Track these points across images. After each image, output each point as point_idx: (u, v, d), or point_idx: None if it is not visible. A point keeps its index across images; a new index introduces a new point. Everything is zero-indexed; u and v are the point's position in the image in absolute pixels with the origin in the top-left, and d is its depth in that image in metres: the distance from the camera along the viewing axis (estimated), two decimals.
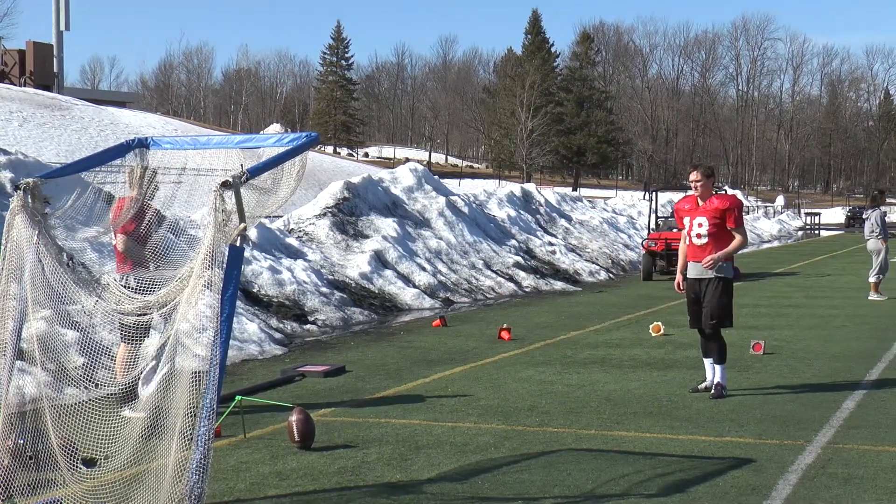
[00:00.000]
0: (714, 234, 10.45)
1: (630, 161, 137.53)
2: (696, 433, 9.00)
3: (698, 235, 10.50)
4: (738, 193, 78.39)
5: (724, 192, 11.17)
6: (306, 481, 7.45)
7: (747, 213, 30.75)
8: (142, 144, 7.23)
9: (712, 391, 10.64)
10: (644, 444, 8.61)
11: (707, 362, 10.80)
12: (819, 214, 76.44)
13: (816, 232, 68.90)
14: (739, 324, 17.05)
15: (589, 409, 10.10)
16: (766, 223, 62.85)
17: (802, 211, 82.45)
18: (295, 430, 8.33)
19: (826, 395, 10.82)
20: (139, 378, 6.89)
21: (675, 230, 27.83)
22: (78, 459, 6.30)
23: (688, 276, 10.72)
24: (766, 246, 50.47)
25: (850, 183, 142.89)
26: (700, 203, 10.53)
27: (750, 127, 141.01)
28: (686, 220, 10.62)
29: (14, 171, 14.48)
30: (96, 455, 6.23)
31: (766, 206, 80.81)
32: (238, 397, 8.76)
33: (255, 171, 6.21)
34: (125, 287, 6.70)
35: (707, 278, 10.59)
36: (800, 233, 65.91)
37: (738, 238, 10.56)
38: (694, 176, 10.55)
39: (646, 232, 30.29)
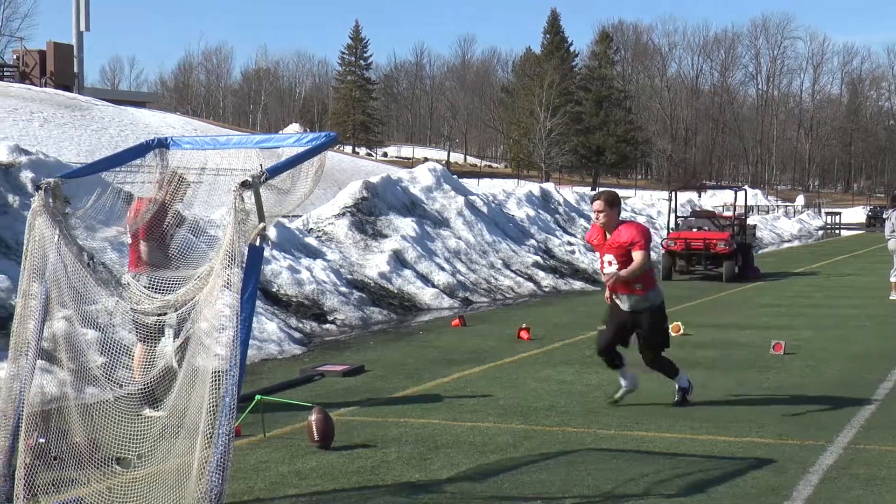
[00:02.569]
0: (623, 266, 9.65)
1: (649, 160, 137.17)
2: (716, 433, 8.96)
3: (611, 274, 9.72)
4: (759, 193, 78.17)
5: (630, 221, 10.05)
6: (325, 481, 7.45)
7: (743, 215, 30.63)
8: (161, 144, 7.26)
9: (675, 397, 10.21)
10: (664, 445, 8.59)
11: (619, 373, 10.17)
12: (839, 214, 76.08)
13: (837, 231, 68.58)
14: (760, 324, 17.02)
15: (608, 408, 10.08)
16: (787, 223, 62.60)
17: (823, 210, 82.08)
18: (314, 429, 8.34)
19: (847, 395, 10.77)
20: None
21: (694, 230, 27.77)
22: (111, 459, 6.32)
23: (620, 306, 9.93)
24: (785, 245, 50.27)
25: (870, 182, 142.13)
26: (607, 236, 9.74)
27: (770, 126, 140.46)
28: (597, 255, 10.05)
29: (35, 171, 14.54)
30: (129, 454, 6.25)
31: (786, 206, 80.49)
32: (258, 397, 8.77)
33: (275, 171, 6.21)
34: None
35: (641, 310, 9.84)
36: (820, 232, 65.61)
37: (636, 259, 9.61)
38: (597, 206, 9.76)
39: (665, 232, 30.19)
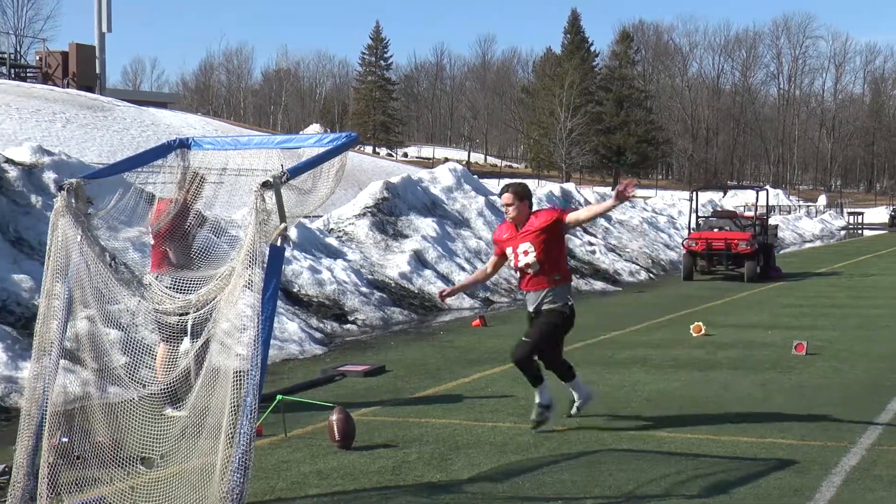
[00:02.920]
0: (545, 258, 8.84)
1: (670, 160, 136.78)
2: (737, 434, 8.93)
3: (527, 265, 8.88)
4: (780, 193, 77.81)
5: (541, 210, 9.18)
6: (346, 481, 7.46)
7: (764, 215, 30.48)
8: (183, 145, 7.28)
9: (535, 418, 9.11)
10: (685, 445, 8.56)
11: (536, 391, 9.13)
12: (862, 214, 75.62)
13: (860, 231, 68.21)
14: (782, 324, 16.95)
15: (629, 409, 10.05)
16: (809, 223, 62.31)
17: (845, 210, 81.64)
18: (335, 429, 8.36)
19: (870, 396, 10.71)
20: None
21: (715, 230, 27.68)
22: (135, 459, 6.35)
23: (527, 307, 9.15)
24: (808, 246, 50.05)
25: (893, 182, 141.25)
26: (518, 229, 8.95)
27: (791, 126, 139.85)
28: (509, 251, 8.98)
29: (58, 172, 14.62)
30: (153, 454, 6.28)
31: (808, 206, 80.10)
32: (279, 396, 8.80)
33: (296, 172, 6.23)
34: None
35: (543, 310, 8.98)
36: (842, 232, 65.27)
37: (580, 211, 9.19)
38: (505, 199, 8.97)
39: (686, 232, 30.11)
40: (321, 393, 10.79)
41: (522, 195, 9.05)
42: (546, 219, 8.90)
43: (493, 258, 9.40)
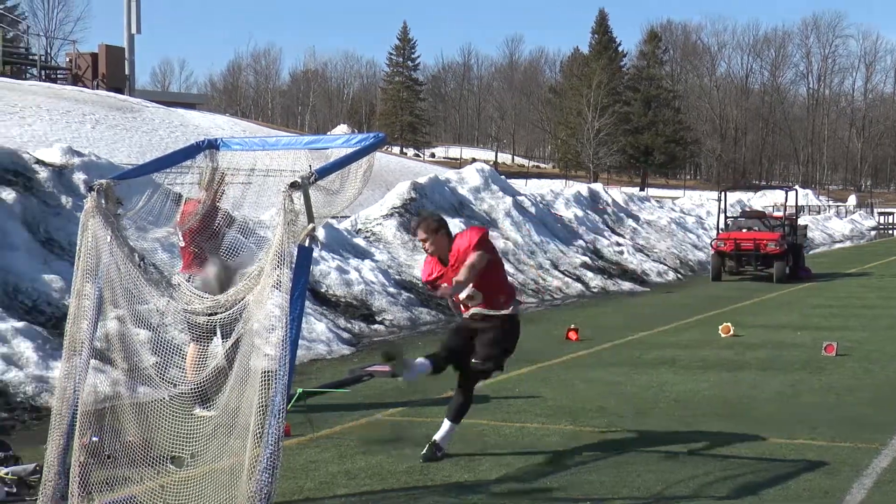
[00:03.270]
0: (483, 285, 7.97)
1: (698, 160, 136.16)
2: (767, 435, 8.88)
3: (469, 298, 8.06)
4: (810, 193, 77.32)
5: (461, 231, 8.20)
6: (374, 481, 7.47)
7: (794, 215, 30.23)
8: (211, 145, 7.31)
9: (424, 453, 8.06)
10: (714, 446, 8.52)
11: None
12: (892, 214, 74.99)
13: (890, 232, 67.70)
14: (811, 325, 16.85)
15: (658, 410, 10.02)
16: (838, 223, 61.88)
17: (875, 210, 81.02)
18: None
19: None
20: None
21: (744, 230, 27.54)
22: (166, 458, 6.38)
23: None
24: (837, 246, 49.72)
25: None
26: (445, 263, 8.03)
27: (821, 125, 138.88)
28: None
29: (87, 173, 14.71)
30: (183, 454, 6.31)
31: (837, 206, 79.57)
32: (300, 390, 8.80)
33: (324, 172, 6.24)
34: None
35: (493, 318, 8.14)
36: (873, 233, 64.79)
37: (469, 260, 7.84)
38: (420, 236, 8.10)
39: (715, 232, 29.98)
40: (349, 394, 10.79)
41: (436, 228, 8.06)
42: (468, 243, 7.91)
43: None
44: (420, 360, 8.13)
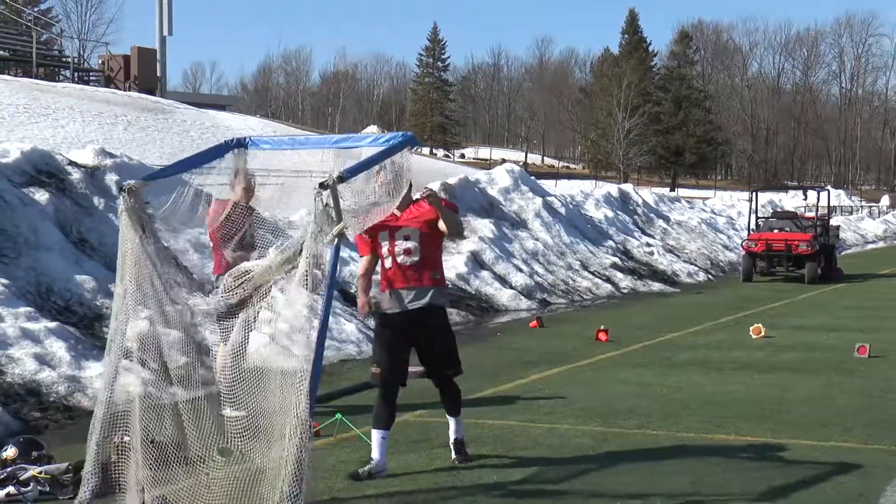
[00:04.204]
0: (425, 246, 7.63)
1: (729, 161, 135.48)
2: (799, 437, 8.81)
3: (407, 251, 7.58)
4: (842, 194, 76.76)
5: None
6: (404, 481, 7.46)
7: (825, 215, 29.94)
8: (241, 144, 7.31)
9: (456, 457, 7.96)
10: (745, 448, 8.46)
11: (381, 435, 7.63)
12: None
13: None
14: (844, 326, 16.72)
15: (689, 411, 9.96)
16: (871, 223, 61.39)
17: None
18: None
19: None
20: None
21: (775, 231, 27.37)
22: (213, 449, 6.39)
23: (390, 310, 7.68)
24: (870, 247, 49.35)
25: None
26: (398, 213, 7.52)
27: (853, 125, 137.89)
28: (384, 237, 7.60)
29: (120, 174, 14.79)
30: (229, 446, 6.32)
31: (870, 206, 78.93)
32: (338, 415, 8.68)
33: (353, 172, 6.24)
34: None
35: (423, 307, 7.64)
36: None
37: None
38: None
39: (745, 233, 29.81)
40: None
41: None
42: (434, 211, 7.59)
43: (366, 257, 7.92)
44: (375, 454, 7.57)
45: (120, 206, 6.76)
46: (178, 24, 62.38)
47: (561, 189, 42.67)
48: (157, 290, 6.74)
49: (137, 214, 6.72)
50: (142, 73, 56.90)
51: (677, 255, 29.05)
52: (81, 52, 63.51)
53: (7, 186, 13.22)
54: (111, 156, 15.57)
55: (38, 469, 7.17)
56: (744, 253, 27.21)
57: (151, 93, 54.81)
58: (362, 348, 13.97)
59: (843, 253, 38.50)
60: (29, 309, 11.24)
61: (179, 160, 7.39)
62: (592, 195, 31.30)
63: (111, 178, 14.80)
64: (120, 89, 53.83)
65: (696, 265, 28.78)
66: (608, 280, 23.86)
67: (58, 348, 10.70)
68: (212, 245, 9.57)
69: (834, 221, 36.66)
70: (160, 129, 43.91)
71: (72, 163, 14.77)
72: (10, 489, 7.02)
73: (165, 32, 58.71)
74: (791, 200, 55.29)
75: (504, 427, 9.21)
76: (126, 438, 6.69)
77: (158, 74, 58.81)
